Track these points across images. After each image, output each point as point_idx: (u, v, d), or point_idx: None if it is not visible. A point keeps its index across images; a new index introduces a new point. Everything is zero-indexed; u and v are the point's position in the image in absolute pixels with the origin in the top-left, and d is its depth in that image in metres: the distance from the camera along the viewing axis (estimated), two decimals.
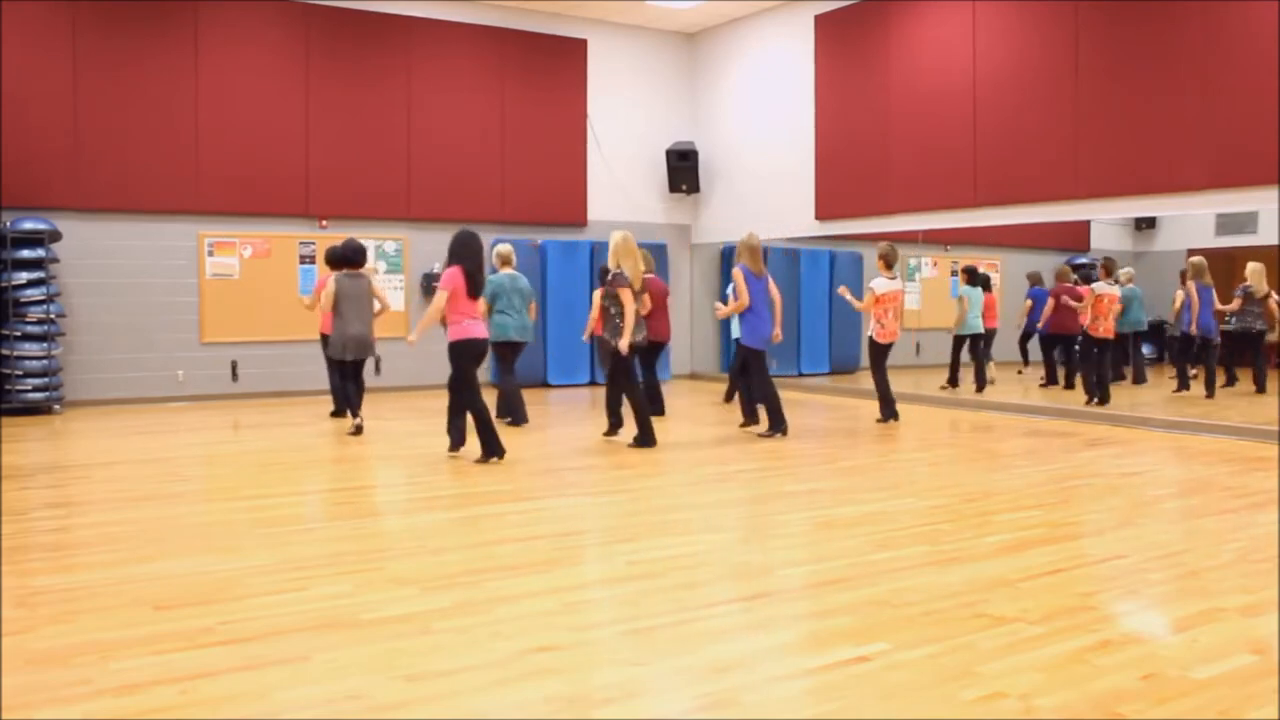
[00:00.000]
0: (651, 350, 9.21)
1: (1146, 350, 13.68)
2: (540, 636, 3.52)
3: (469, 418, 7.28)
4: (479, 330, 7.18)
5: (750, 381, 8.71)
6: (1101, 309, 10.37)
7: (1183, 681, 3.13)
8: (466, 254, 7.13)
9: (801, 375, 14.05)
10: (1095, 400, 10.17)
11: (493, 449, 7.09)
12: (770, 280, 8.59)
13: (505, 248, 9.26)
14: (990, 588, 4.12)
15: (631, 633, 3.59)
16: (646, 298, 8.31)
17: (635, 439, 7.88)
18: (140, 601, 3.92)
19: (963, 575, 4.31)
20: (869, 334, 9.41)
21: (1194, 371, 11.67)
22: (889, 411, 9.43)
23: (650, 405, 9.36)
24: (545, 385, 12.82)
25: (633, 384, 8.03)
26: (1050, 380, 12.40)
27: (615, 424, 8.26)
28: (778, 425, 8.44)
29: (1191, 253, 12.60)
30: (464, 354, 7.14)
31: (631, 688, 3.10)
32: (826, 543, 4.98)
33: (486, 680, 3.14)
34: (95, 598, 3.97)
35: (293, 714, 2.88)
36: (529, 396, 11.36)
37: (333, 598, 3.98)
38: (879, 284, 9.22)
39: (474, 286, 7.13)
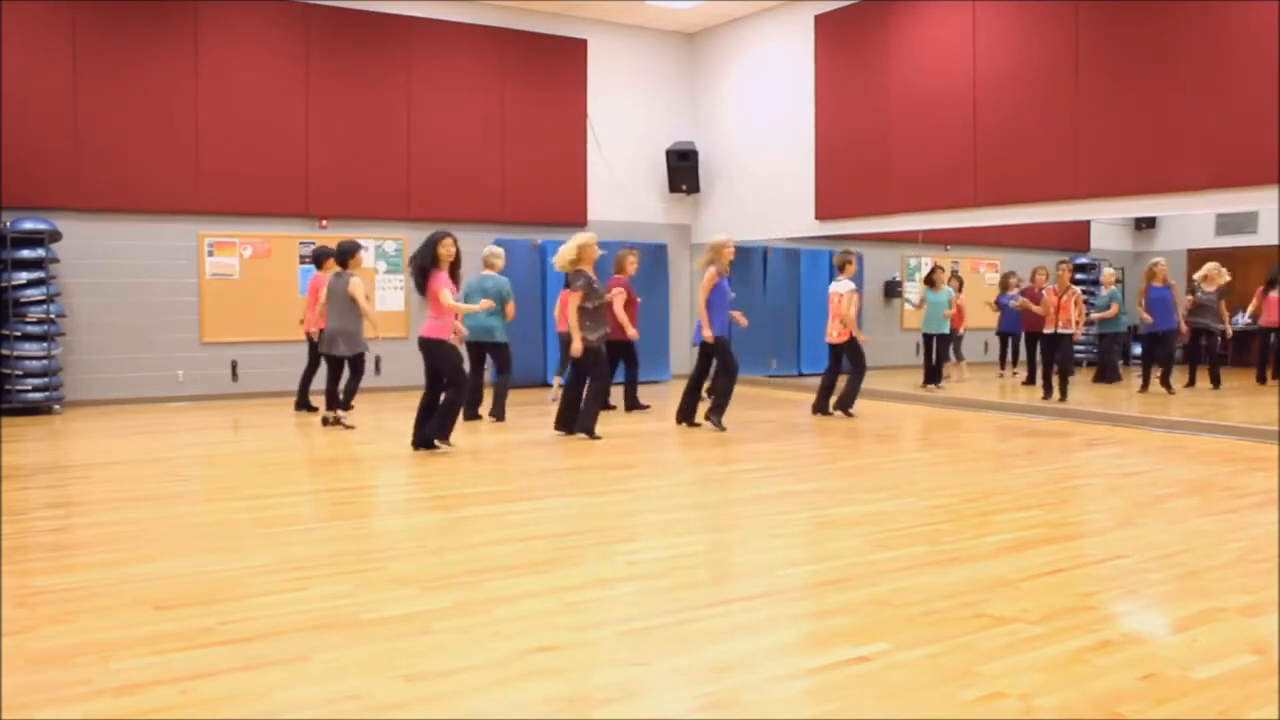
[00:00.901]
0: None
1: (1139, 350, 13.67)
2: (540, 636, 3.52)
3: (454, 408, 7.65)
4: (425, 329, 7.59)
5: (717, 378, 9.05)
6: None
7: (1183, 681, 3.13)
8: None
9: (802, 375, 14.05)
10: (1056, 396, 10.53)
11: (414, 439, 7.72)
12: (703, 281, 8.81)
13: (485, 250, 9.56)
14: (990, 588, 4.12)
15: (631, 633, 3.59)
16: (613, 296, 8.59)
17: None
18: (140, 601, 3.91)
19: (963, 575, 4.31)
20: None
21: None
22: (820, 405, 9.95)
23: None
24: (545, 385, 12.80)
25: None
26: (1033, 379, 12.33)
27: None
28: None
29: (1192, 253, 12.61)
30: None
31: (631, 688, 3.10)
32: (826, 543, 4.98)
33: (486, 680, 3.14)
34: (95, 598, 3.97)
35: (293, 714, 2.88)
36: (529, 396, 11.36)
37: (333, 598, 3.98)
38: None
39: (419, 288, 7.58)
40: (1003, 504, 5.83)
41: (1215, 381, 11.65)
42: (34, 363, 9.94)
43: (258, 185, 11.46)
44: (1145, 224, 14.35)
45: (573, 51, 13.33)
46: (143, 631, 3.56)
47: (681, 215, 14.37)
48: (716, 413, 8.80)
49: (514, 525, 5.29)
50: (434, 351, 7.54)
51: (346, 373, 9.01)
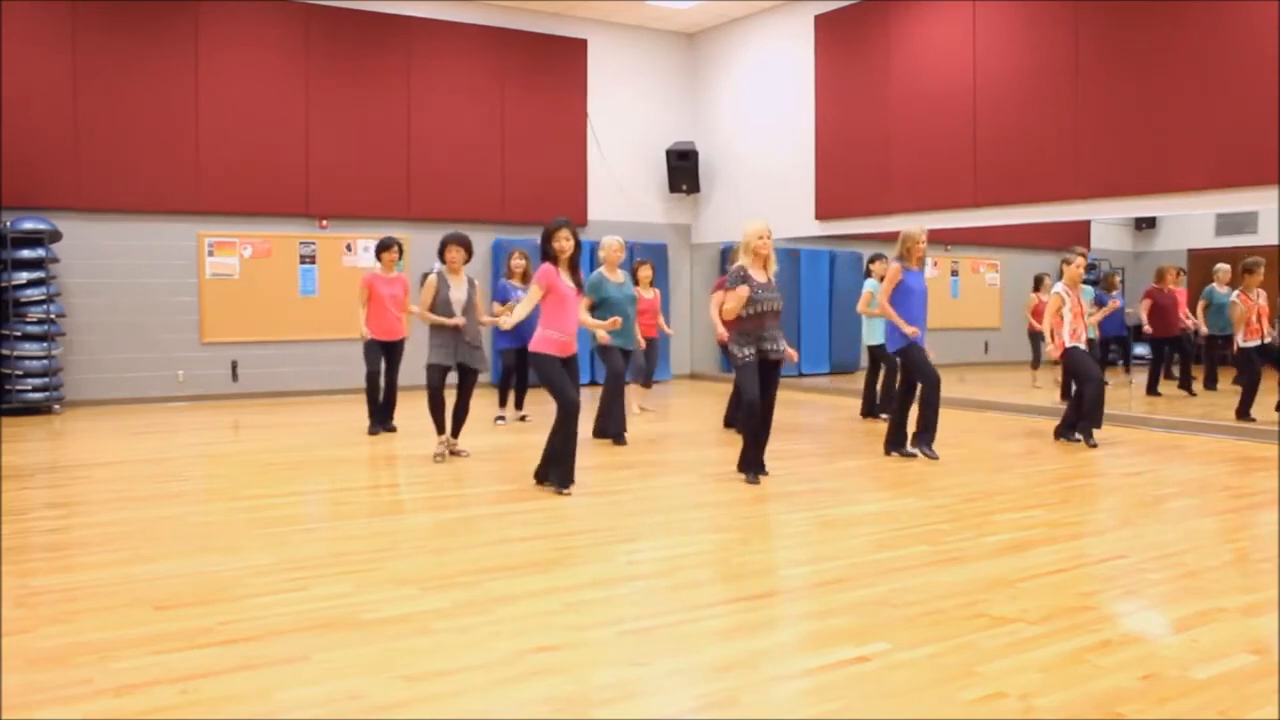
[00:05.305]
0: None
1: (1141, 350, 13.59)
2: (540, 636, 3.52)
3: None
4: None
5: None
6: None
7: (1183, 681, 3.13)
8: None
9: (802, 375, 14.04)
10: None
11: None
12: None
13: (614, 243, 8.27)
14: (990, 588, 4.12)
15: (631, 633, 3.59)
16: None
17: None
18: (140, 601, 3.91)
19: (963, 575, 4.31)
20: None
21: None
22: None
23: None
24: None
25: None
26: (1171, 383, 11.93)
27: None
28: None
29: (1193, 253, 12.59)
30: None
31: (631, 688, 3.10)
32: (827, 543, 4.98)
33: (486, 680, 3.14)
34: (95, 598, 3.97)
35: (293, 714, 2.88)
36: (532, 398, 11.36)
37: (333, 598, 3.98)
38: None
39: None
40: (1003, 504, 5.83)
41: None
42: (34, 363, 9.94)
43: (258, 185, 11.46)
44: (1145, 224, 14.33)
45: (573, 51, 13.34)
46: (143, 631, 3.56)
47: (681, 215, 14.37)
48: (925, 439, 7.36)
49: (514, 525, 5.29)
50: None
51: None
